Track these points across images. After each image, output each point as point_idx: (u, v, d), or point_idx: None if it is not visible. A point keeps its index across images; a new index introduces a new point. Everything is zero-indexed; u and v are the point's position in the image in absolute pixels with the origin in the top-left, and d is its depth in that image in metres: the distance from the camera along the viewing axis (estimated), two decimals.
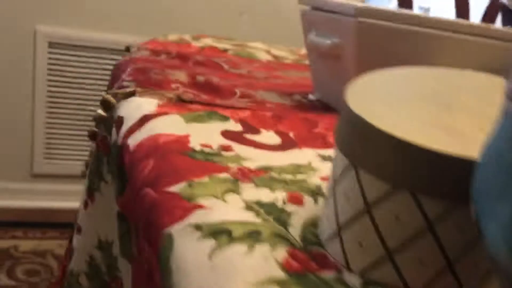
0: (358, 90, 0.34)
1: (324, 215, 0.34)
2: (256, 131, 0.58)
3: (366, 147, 0.30)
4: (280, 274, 0.30)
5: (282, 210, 0.37)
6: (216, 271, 0.30)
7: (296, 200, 0.39)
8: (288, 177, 0.45)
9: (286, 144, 0.55)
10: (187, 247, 0.33)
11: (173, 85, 0.72)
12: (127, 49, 1.05)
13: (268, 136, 0.57)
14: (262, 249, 0.32)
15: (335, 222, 0.33)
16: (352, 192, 0.31)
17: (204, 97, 0.70)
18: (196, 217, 0.36)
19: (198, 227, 0.34)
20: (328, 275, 0.30)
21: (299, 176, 0.45)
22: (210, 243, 0.33)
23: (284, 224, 0.35)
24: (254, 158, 0.49)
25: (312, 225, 0.36)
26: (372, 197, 0.30)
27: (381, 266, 0.30)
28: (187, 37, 1.35)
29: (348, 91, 0.34)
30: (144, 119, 0.57)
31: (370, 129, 0.30)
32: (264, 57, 1.22)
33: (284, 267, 0.30)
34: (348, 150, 0.31)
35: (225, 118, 0.60)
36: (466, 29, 0.68)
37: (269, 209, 0.37)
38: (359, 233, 0.31)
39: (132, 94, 0.66)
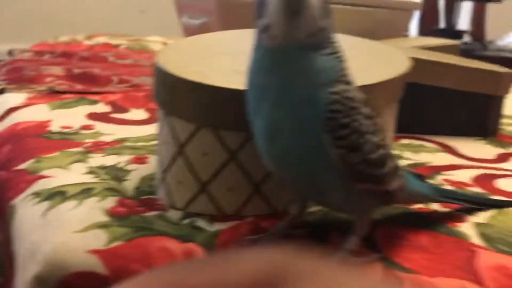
0: (169, 50, 0.37)
1: (156, 166, 0.37)
2: (125, 110, 0.60)
3: (172, 95, 0.33)
4: (104, 219, 0.32)
5: (122, 170, 0.40)
6: (47, 226, 0.32)
7: (140, 160, 0.42)
8: (141, 144, 0.47)
9: (153, 119, 0.58)
10: (25, 213, 0.35)
11: (47, 79, 0.73)
12: (10, 52, 1.03)
13: (137, 114, 0.59)
14: (91, 202, 0.34)
15: (160, 168, 0.35)
16: (168, 138, 0.34)
17: (79, 87, 0.71)
18: (37, 186, 0.37)
19: (37, 194, 0.36)
20: (151, 214, 0.33)
21: (153, 142, 0.47)
22: (46, 205, 0.35)
23: (119, 180, 0.38)
24: (114, 133, 0.51)
25: (151, 179, 0.39)
26: (183, 138, 0.33)
27: (198, 199, 0.33)
28: (79, 37, 1.33)
29: (160, 51, 0.37)
30: (9, 112, 0.57)
31: (172, 78, 0.33)
32: (158, 48, 1.24)
33: (109, 213, 0.33)
34: (161, 101, 0.34)
35: (94, 102, 0.62)
36: None
37: (110, 170, 0.40)
38: (177, 172, 0.34)
39: (1, 92, 0.66)
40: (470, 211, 0.37)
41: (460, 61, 0.61)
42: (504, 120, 0.70)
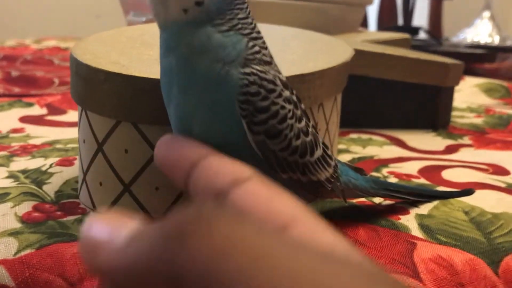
0: (87, 41, 0.35)
1: (78, 168, 0.34)
2: (62, 112, 0.57)
3: (88, 88, 0.30)
4: (16, 225, 0.29)
5: (45, 172, 0.37)
6: None
7: (66, 162, 0.39)
8: (72, 145, 0.44)
9: None
10: None
11: None
12: None
13: (74, 115, 0.56)
14: (3, 208, 0.31)
15: (81, 169, 0.33)
16: (87, 136, 0.32)
17: (17, 90, 0.67)
18: None
19: None
20: (70, 218, 0.30)
21: None
22: None
23: (40, 183, 0.35)
24: (46, 136, 0.48)
25: (76, 182, 0.36)
26: (101, 135, 0.31)
27: (121, 201, 0.31)
28: (27, 41, 1.29)
29: (77, 43, 0.34)
30: None
31: (87, 69, 0.30)
32: None
33: (22, 219, 0.30)
34: (76, 96, 0.32)
35: (29, 105, 0.59)
36: None
37: (31, 174, 0.37)
38: (97, 173, 0.31)
39: None
40: (413, 203, 0.35)
41: (409, 53, 0.61)
42: (456, 113, 0.69)
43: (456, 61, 0.61)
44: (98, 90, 0.30)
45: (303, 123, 0.25)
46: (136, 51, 0.33)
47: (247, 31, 0.23)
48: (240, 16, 0.23)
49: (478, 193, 0.38)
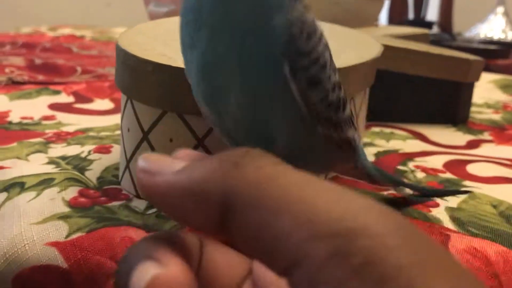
0: (132, 32, 0.36)
1: (120, 155, 0.35)
2: (89, 101, 0.58)
3: (135, 78, 0.31)
4: (64, 209, 0.31)
5: (84, 159, 0.38)
6: (3, 219, 0.30)
7: (103, 150, 0.40)
8: (105, 134, 0.45)
9: (119, 109, 0.56)
10: None
11: (7, 70, 0.70)
12: None
13: (101, 104, 0.57)
14: (51, 192, 0.32)
15: (124, 156, 0.34)
16: (132, 124, 0.33)
17: (41, 77, 0.68)
18: None
19: None
20: (115, 204, 0.32)
21: (118, 132, 0.46)
22: (2, 197, 0.33)
23: (82, 169, 0.36)
24: (77, 123, 0.49)
25: (115, 169, 0.37)
26: (147, 124, 0.32)
27: None
28: (43, 28, 1.29)
29: (122, 34, 0.35)
30: None
31: (135, 59, 0.31)
32: None
33: (70, 204, 0.31)
34: (123, 86, 0.33)
35: (56, 93, 0.60)
36: None
37: (72, 160, 0.38)
38: None
39: None
40: (442, 196, 0.36)
41: (431, 49, 0.61)
42: (474, 109, 0.70)
43: (477, 57, 0.61)
44: (145, 81, 0.31)
45: (337, 76, 0.23)
46: (178, 43, 0.34)
47: None
48: None
49: (504, 187, 0.39)
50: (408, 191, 0.36)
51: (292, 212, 0.13)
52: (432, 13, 1.85)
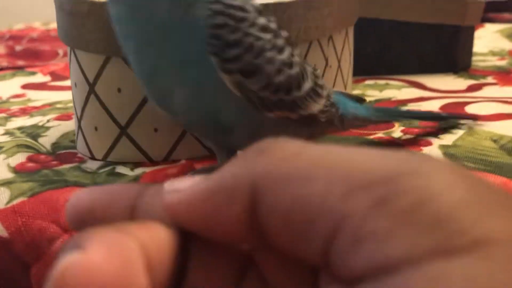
0: None
1: (73, 118, 0.32)
2: (66, 78, 0.55)
3: (73, 24, 0.28)
4: (8, 175, 0.28)
5: (41, 127, 0.35)
6: None
7: (64, 117, 0.37)
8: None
9: None
10: None
11: None
12: None
13: None
14: None
15: (76, 116, 0.31)
16: (78, 78, 0.29)
17: (20, 62, 0.66)
18: None
19: None
20: (66, 166, 0.29)
21: None
22: None
23: (35, 136, 0.33)
24: (47, 99, 0.46)
25: (74, 134, 0.34)
26: (92, 74, 0.28)
27: (118, 145, 0.29)
28: (36, 24, 1.27)
29: None
30: None
31: (69, 2, 0.28)
32: None
33: (15, 169, 0.28)
34: (63, 35, 0.29)
35: (32, 74, 0.57)
36: None
37: (27, 129, 0.35)
38: (91, 117, 0.29)
39: None
40: (435, 134, 0.33)
41: None
42: (477, 58, 0.66)
43: None
44: (83, 24, 0.27)
45: (285, 53, 0.22)
46: None
47: None
48: None
49: (505, 123, 0.36)
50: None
51: (325, 174, 0.11)
52: None
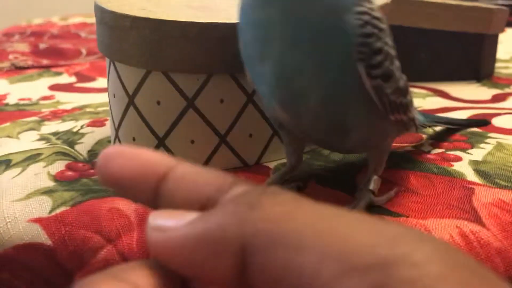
0: None
1: (110, 126, 0.33)
2: (91, 79, 0.56)
3: (115, 37, 0.29)
4: (49, 184, 0.28)
5: (76, 133, 0.36)
6: None
7: (97, 123, 0.38)
8: (103, 108, 0.43)
9: None
10: None
11: (11, 56, 0.68)
12: None
13: (104, 82, 0.55)
14: (36, 168, 0.30)
15: (113, 126, 0.31)
16: (117, 89, 0.30)
17: (45, 61, 0.67)
18: None
19: None
20: None
21: None
22: None
23: (72, 143, 0.34)
24: (76, 101, 0.47)
25: (108, 141, 0.35)
26: (132, 87, 0.29)
27: None
28: (54, 18, 1.28)
29: None
30: None
31: (111, 15, 0.28)
32: None
33: (56, 177, 0.29)
34: (103, 47, 0.30)
35: (58, 74, 0.58)
36: None
37: (63, 135, 0.36)
38: (130, 128, 0.30)
39: None
40: (465, 150, 0.33)
41: (448, 0, 0.57)
42: (499, 64, 0.66)
43: (500, 6, 0.57)
44: (125, 39, 0.28)
45: (397, 62, 0.24)
46: None
47: None
48: None
49: None
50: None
51: (318, 246, 0.11)
52: None
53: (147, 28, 0.27)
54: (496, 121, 0.40)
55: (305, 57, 0.21)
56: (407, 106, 0.25)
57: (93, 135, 0.35)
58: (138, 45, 0.28)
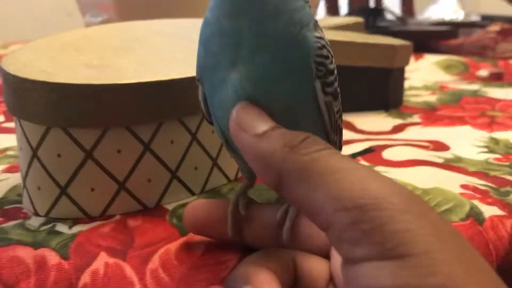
0: (19, 51, 0.36)
1: (20, 174, 0.36)
2: None
3: (18, 97, 0.31)
4: None
5: None
6: None
7: (13, 169, 0.40)
8: None
9: None
10: None
11: None
12: None
13: None
14: None
15: (22, 175, 0.34)
16: (22, 143, 0.33)
17: None
18: None
19: None
20: (11, 224, 0.32)
21: None
22: None
23: None
24: (1, 143, 0.49)
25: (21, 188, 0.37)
26: (35, 141, 0.32)
27: (59, 203, 0.32)
28: None
29: (8, 53, 0.35)
30: None
31: (13, 79, 0.31)
32: None
33: None
34: (9, 105, 0.33)
35: None
36: None
37: None
38: (35, 178, 0.32)
39: None
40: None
41: (357, 37, 0.62)
42: (411, 92, 0.71)
43: (405, 42, 0.62)
44: (26, 99, 0.31)
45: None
46: (67, 56, 0.34)
47: None
48: None
49: (414, 169, 0.40)
50: None
51: (324, 191, 0.19)
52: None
53: (45, 90, 0.30)
54: (385, 154, 0.44)
55: (267, 66, 0.23)
56: (341, 130, 0.28)
57: (7, 182, 0.38)
58: (39, 105, 0.30)
